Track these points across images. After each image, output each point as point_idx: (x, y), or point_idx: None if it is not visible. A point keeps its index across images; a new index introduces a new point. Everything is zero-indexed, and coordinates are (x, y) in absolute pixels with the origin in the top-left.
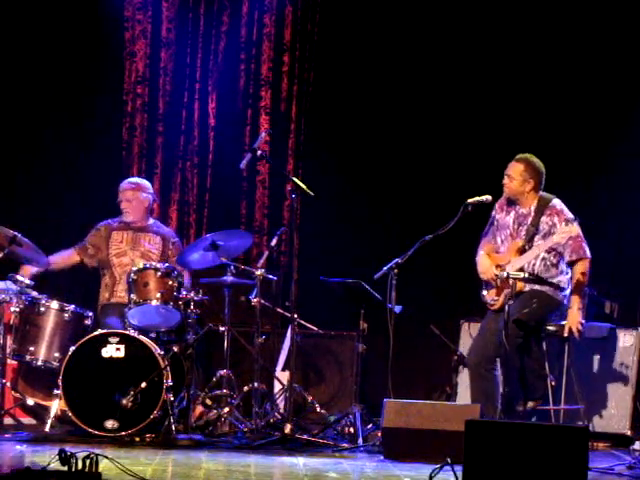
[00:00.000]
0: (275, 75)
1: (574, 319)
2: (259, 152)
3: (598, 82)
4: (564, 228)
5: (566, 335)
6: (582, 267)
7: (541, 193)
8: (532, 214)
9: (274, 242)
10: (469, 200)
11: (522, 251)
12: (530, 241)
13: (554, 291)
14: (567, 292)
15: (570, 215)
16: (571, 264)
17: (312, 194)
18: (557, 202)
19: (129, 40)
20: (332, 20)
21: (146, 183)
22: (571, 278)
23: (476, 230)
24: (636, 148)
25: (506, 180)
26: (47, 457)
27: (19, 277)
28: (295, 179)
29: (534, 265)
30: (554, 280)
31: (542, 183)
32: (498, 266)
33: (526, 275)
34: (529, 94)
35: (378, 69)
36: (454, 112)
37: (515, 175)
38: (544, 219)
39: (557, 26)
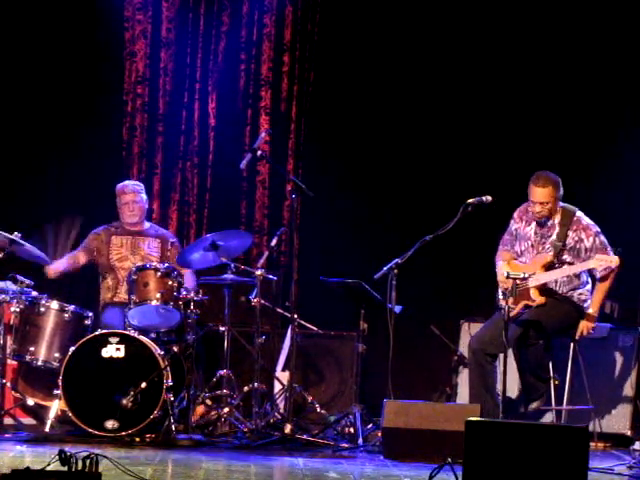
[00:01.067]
0: (275, 75)
1: (589, 322)
2: (259, 152)
3: (596, 80)
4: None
5: (577, 338)
6: (611, 276)
7: (562, 204)
8: (557, 228)
9: (274, 242)
10: (469, 200)
11: (550, 266)
12: (558, 256)
13: (575, 305)
14: (588, 303)
15: (595, 228)
16: (605, 276)
17: (312, 194)
18: (581, 215)
19: (129, 40)
20: (332, 20)
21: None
22: (593, 287)
23: (476, 230)
24: (637, 148)
25: (539, 208)
26: (47, 457)
27: (19, 277)
28: (295, 179)
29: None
30: (576, 293)
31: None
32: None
33: (526, 275)
34: (528, 94)
35: (378, 69)
36: (454, 112)
37: (549, 199)
38: (571, 234)
39: (556, 27)
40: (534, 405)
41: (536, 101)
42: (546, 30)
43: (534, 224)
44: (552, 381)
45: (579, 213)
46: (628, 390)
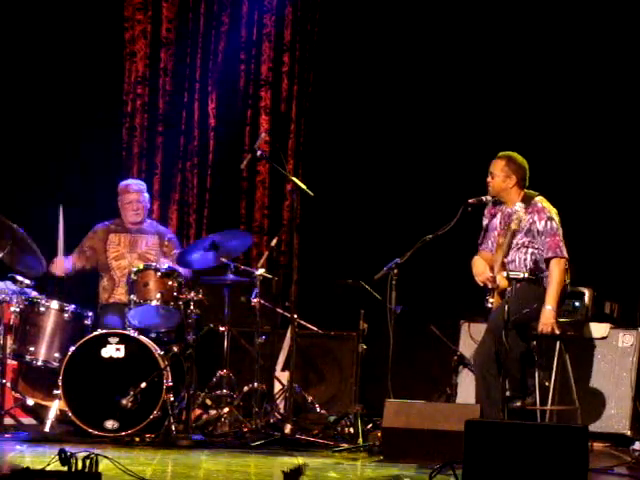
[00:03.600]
0: (275, 75)
1: (546, 319)
2: (259, 152)
3: (597, 80)
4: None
5: (539, 333)
6: (557, 266)
7: (526, 191)
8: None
9: (274, 242)
10: (469, 200)
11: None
12: (512, 238)
13: (543, 288)
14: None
15: (549, 213)
16: (547, 262)
17: (312, 194)
18: (540, 199)
19: (129, 40)
20: (332, 20)
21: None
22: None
23: (476, 230)
24: (636, 146)
25: (489, 178)
26: (47, 457)
27: (19, 277)
28: (295, 179)
29: (525, 260)
30: (544, 275)
31: (525, 179)
32: (491, 268)
33: (525, 275)
34: (529, 94)
35: (378, 69)
36: (454, 112)
37: (496, 171)
38: (526, 216)
39: (555, 26)
40: (518, 403)
41: (536, 101)
42: (545, 30)
43: (499, 214)
44: (537, 379)
45: (539, 198)
46: (628, 390)
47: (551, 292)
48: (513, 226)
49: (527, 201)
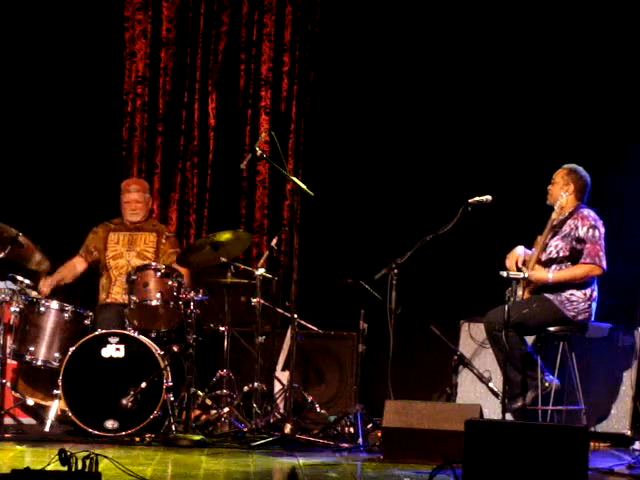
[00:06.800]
0: (275, 75)
1: (537, 272)
2: (259, 152)
3: (596, 80)
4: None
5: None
6: (585, 267)
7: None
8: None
9: (274, 242)
10: (469, 200)
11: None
12: (549, 239)
13: (561, 303)
14: (580, 310)
15: (594, 222)
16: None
17: (312, 194)
18: (587, 209)
19: (129, 40)
20: (332, 20)
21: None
22: (592, 295)
23: (476, 230)
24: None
25: (549, 186)
26: (47, 457)
27: (19, 277)
28: (295, 179)
29: (555, 270)
30: (566, 292)
31: (583, 192)
32: (524, 262)
33: (525, 275)
34: (529, 93)
35: (378, 69)
36: (454, 112)
37: (557, 178)
38: (569, 222)
39: (556, 26)
40: (519, 403)
41: (536, 101)
42: (544, 29)
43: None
44: (539, 377)
45: (586, 208)
46: (628, 390)
47: (563, 275)
48: (553, 215)
49: (576, 210)
